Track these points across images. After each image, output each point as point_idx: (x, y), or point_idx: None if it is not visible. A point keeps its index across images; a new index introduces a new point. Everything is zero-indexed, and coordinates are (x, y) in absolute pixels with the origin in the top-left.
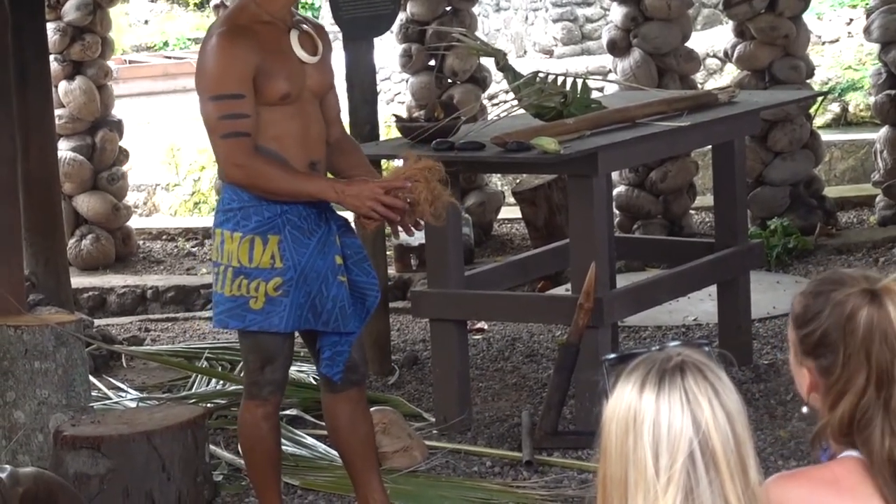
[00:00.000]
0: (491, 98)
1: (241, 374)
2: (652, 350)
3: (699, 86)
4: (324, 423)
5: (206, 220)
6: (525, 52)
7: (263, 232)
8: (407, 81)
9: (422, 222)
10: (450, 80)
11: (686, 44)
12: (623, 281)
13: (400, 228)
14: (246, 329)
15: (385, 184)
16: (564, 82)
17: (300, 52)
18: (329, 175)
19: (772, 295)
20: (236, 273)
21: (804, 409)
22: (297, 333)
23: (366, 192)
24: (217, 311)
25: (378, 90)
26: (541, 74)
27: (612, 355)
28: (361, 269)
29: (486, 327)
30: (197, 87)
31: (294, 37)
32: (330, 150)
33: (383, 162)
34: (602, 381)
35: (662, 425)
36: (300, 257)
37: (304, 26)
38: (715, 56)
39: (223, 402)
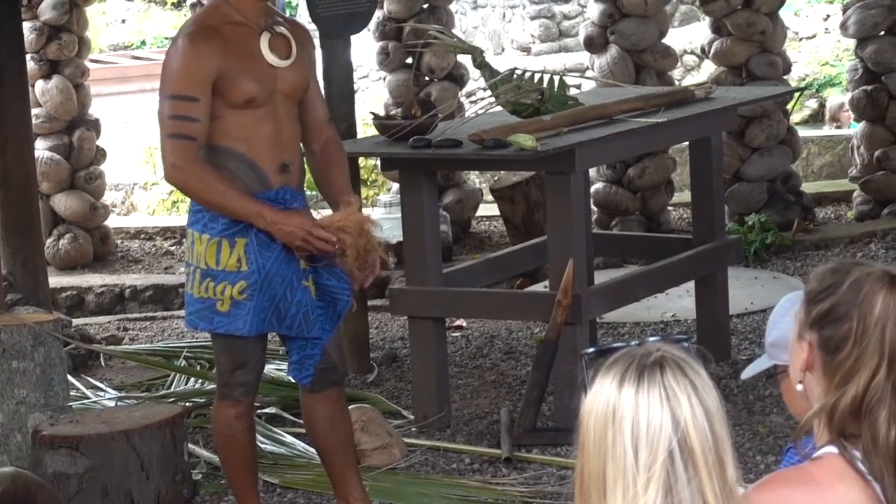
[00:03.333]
0: (468, 95)
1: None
2: (631, 345)
3: (676, 82)
4: (302, 422)
5: (183, 219)
6: (503, 49)
7: (231, 235)
8: (384, 79)
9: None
10: (427, 78)
11: (663, 40)
12: (601, 277)
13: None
14: (214, 331)
15: (315, 230)
16: (541, 79)
17: (269, 56)
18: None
19: (750, 290)
20: (204, 275)
21: (798, 387)
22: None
23: (297, 231)
24: (188, 312)
25: (356, 88)
26: (518, 71)
27: (592, 349)
28: (332, 273)
29: (464, 325)
30: (160, 83)
31: (265, 40)
32: (314, 156)
33: (360, 160)
34: (581, 375)
35: (642, 421)
36: (265, 261)
37: (280, 28)
38: (692, 52)
39: (202, 400)
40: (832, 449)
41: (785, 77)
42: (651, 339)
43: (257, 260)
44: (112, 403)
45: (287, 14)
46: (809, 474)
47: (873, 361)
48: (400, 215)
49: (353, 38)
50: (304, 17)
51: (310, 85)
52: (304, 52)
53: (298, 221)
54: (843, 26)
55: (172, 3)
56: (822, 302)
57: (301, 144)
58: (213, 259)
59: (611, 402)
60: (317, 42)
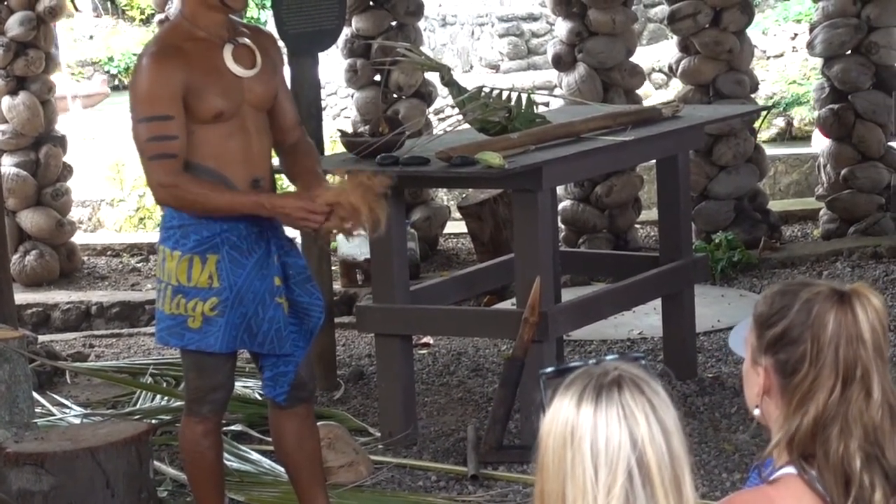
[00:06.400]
0: (436, 113)
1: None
2: (588, 364)
3: (644, 100)
4: (269, 439)
5: (150, 235)
6: (471, 66)
7: (202, 251)
8: (352, 96)
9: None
10: (395, 95)
11: (631, 58)
12: (568, 295)
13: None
14: (185, 348)
15: (310, 205)
16: (509, 97)
17: (234, 67)
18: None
19: (716, 308)
20: (175, 292)
21: (756, 412)
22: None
23: (295, 211)
24: (159, 328)
25: (324, 105)
26: (485, 89)
27: (550, 369)
28: (304, 289)
29: (431, 342)
30: (130, 108)
31: (227, 52)
32: (285, 154)
33: (328, 176)
34: (539, 394)
35: (600, 441)
36: (236, 278)
37: (243, 39)
38: (660, 71)
39: (168, 418)
40: (791, 470)
41: (752, 95)
42: (608, 357)
43: (229, 277)
44: (77, 420)
45: None
46: (768, 496)
47: (830, 381)
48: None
49: (322, 55)
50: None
51: (279, 92)
52: (268, 60)
53: (294, 202)
54: (810, 45)
55: (141, 20)
56: (775, 326)
57: (273, 155)
58: (185, 275)
59: (569, 422)
60: (285, 59)
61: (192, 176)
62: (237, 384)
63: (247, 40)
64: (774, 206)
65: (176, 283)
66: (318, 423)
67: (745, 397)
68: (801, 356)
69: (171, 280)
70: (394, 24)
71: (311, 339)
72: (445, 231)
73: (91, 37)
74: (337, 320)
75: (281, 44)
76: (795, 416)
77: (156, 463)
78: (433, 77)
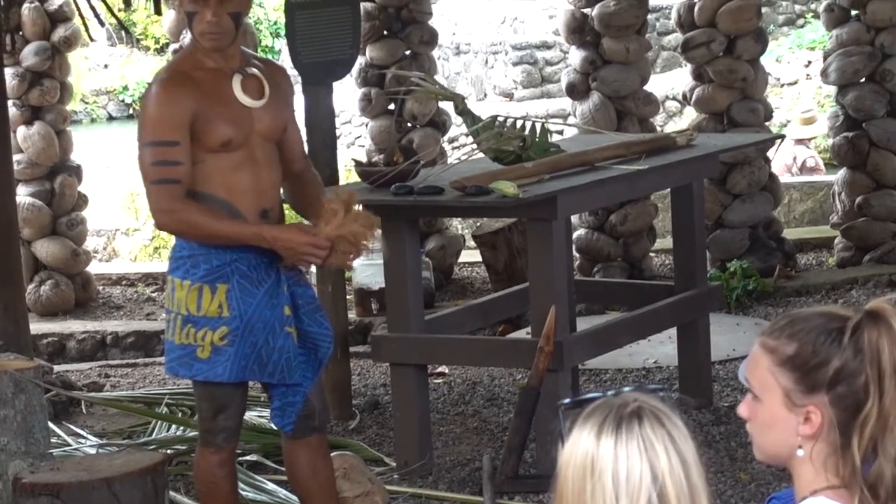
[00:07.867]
0: (451, 142)
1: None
2: (607, 395)
3: (658, 129)
4: (284, 469)
5: (166, 265)
6: (485, 95)
7: (212, 281)
8: (367, 125)
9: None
10: (409, 124)
11: (645, 87)
12: (583, 324)
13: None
14: (194, 378)
15: (314, 240)
16: (523, 126)
17: (242, 97)
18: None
19: (731, 337)
20: (185, 321)
21: (800, 452)
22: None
23: (300, 246)
24: (168, 359)
25: (338, 134)
26: (499, 118)
27: (568, 400)
28: (313, 319)
29: (446, 371)
30: (137, 133)
31: (237, 82)
32: (290, 184)
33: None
34: (558, 425)
35: (621, 472)
36: (247, 307)
37: (252, 70)
38: (674, 99)
39: (183, 448)
40: (815, 500)
41: (766, 123)
42: (627, 388)
43: (239, 306)
44: (93, 451)
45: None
46: None
47: None
48: (382, 262)
49: (336, 84)
50: (286, 62)
51: (288, 124)
52: (278, 92)
53: (298, 236)
54: (824, 73)
55: (155, 49)
56: (829, 363)
57: (281, 188)
58: (195, 305)
59: (589, 454)
60: (299, 88)
61: (195, 203)
62: (253, 414)
63: (256, 71)
64: (789, 234)
65: (185, 313)
66: (334, 453)
67: (765, 442)
68: (864, 385)
69: (180, 310)
70: (408, 53)
71: (320, 368)
72: (460, 260)
73: (106, 66)
74: (352, 349)
75: (295, 73)
76: (874, 443)
77: (172, 493)
78: (447, 106)
